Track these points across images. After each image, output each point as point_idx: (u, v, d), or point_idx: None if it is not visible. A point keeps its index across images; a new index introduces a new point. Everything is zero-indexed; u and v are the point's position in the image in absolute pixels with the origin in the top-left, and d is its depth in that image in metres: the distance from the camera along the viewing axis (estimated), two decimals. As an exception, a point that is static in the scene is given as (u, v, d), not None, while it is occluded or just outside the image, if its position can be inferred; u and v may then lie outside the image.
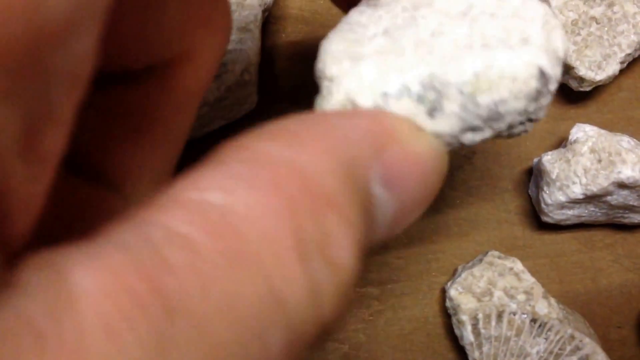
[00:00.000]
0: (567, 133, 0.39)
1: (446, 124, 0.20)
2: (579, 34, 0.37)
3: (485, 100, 0.20)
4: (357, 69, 0.23)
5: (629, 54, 0.38)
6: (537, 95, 0.20)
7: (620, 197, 0.36)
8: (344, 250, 0.16)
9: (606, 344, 0.39)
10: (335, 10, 0.40)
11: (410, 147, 0.20)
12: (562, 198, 0.36)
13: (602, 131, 0.37)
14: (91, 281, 0.13)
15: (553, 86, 0.21)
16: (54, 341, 0.12)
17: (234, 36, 0.37)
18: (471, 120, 0.20)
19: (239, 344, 0.14)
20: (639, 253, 0.41)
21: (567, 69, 0.38)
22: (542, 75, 0.20)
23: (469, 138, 0.21)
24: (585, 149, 0.36)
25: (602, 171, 0.35)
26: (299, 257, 0.15)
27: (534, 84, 0.20)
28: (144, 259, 0.14)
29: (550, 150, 0.40)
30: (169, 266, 0.14)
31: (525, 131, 0.21)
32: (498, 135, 0.21)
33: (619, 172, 0.35)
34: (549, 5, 0.27)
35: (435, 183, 0.21)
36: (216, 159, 0.17)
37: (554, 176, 0.36)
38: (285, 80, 0.41)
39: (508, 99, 0.20)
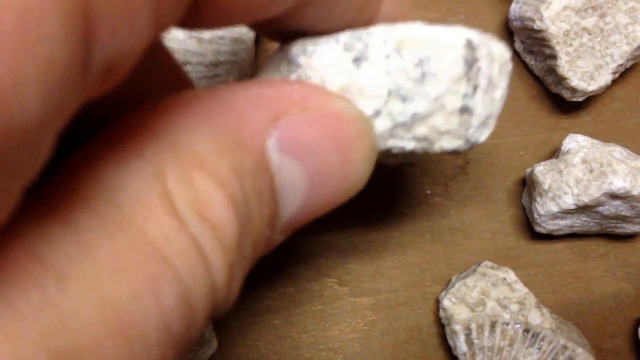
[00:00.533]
0: (560, 143, 0.39)
1: (372, 75, 0.19)
2: (571, 45, 0.38)
3: (409, 54, 0.19)
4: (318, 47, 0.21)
5: (621, 64, 0.38)
6: (465, 68, 0.20)
7: (612, 207, 0.36)
8: (218, 207, 0.16)
9: (600, 354, 0.39)
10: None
11: (316, 110, 0.18)
12: (554, 208, 0.37)
13: (595, 141, 0.38)
14: None
15: (484, 64, 0.20)
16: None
17: (227, 47, 0.37)
18: (399, 78, 0.19)
19: (133, 299, 0.14)
20: (632, 262, 0.41)
21: (560, 79, 0.39)
22: (470, 45, 0.20)
23: (397, 143, 0.20)
24: (577, 159, 0.36)
25: (594, 182, 0.35)
26: (172, 215, 0.15)
27: (461, 50, 0.20)
28: None
29: (544, 160, 0.40)
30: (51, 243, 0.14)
31: (458, 150, 0.21)
32: (428, 145, 0.20)
33: (611, 183, 0.35)
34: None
35: (358, 148, 0.19)
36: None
37: (546, 187, 0.37)
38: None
39: (432, 57, 0.19)
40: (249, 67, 0.37)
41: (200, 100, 0.17)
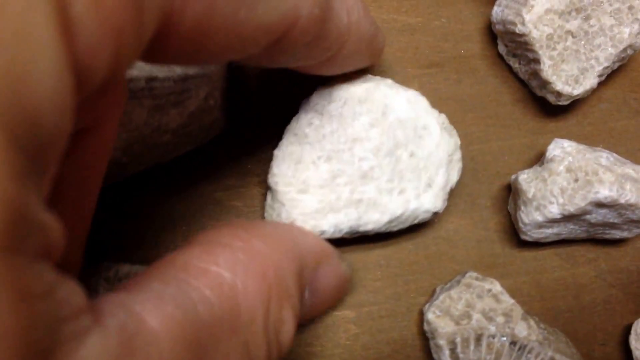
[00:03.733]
0: (546, 148, 0.39)
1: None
2: (554, 49, 0.37)
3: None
4: (303, 200, 0.36)
5: (607, 67, 0.38)
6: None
7: (599, 215, 0.36)
8: (288, 333, 0.26)
9: (590, 363, 0.39)
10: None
11: (335, 268, 0.30)
12: (539, 218, 0.36)
13: (581, 147, 0.37)
14: (159, 323, 0.20)
15: (430, 214, 0.37)
16: None
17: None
18: None
19: None
20: (622, 268, 0.40)
21: (544, 83, 0.38)
22: (434, 214, 0.37)
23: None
24: (561, 168, 0.35)
25: (580, 191, 0.35)
26: (265, 333, 0.24)
27: (426, 218, 0.37)
28: (188, 312, 0.21)
29: (529, 165, 0.40)
30: (201, 320, 0.21)
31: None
32: None
33: (596, 192, 0.34)
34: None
35: (340, 296, 0.32)
36: (219, 241, 0.25)
37: (530, 195, 0.36)
38: (255, 103, 0.41)
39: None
40: (219, 80, 0.37)
41: (283, 231, 0.28)
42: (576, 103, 0.41)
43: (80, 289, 0.18)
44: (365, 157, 0.36)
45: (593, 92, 0.41)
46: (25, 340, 0.14)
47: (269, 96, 0.41)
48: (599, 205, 0.35)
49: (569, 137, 0.41)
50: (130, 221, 0.39)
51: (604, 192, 0.35)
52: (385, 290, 0.40)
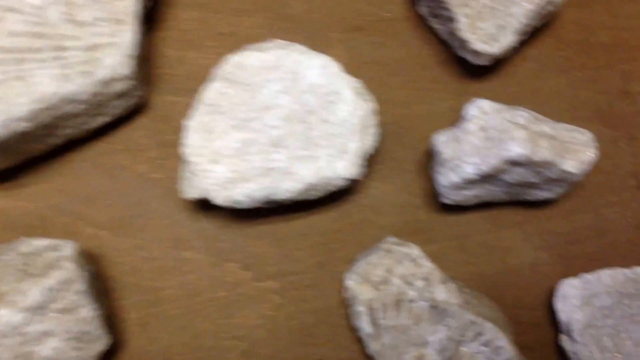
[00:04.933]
0: (470, 109, 0.38)
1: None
2: (469, 6, 0.37)
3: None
4: (214, 170, 0.35)
5: (527, 24, 0.37)
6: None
7: (516, 174, 0.36)
8: None
9: (519, 327, 0.39)
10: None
11: None
12: (455, 179, 0.36)
13: (500, 106, 0.37)
14: None
15: (346, 182, 0.36)
16: None
17: (106, 29, 0.36)
18: None
19: None
20: (549, 230, 0.40)
21: (463, 43, 0.38)
22: (351, 181, 0.36)
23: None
24: (474, 127, 0.35)
25: (493, 149, 0.35)
26: None
27: (342, 185, 0.36)
28: None
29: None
30: None
31: None
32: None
33: (509, 150, 0.34)
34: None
35: None
36: None
37: (445, 156, 0.36)
38: (178, 70, 0.40)
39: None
40: (130, 48, 0.36)
41: None
42: (501, 63, 0.40)
43: None
44: (276, 125, 0.36)
45: (518, 51, 0.40)
46: None
47: (192, 61, 0.41)
48: (514, 163, 0.35)
49: (494, 98, 0.40)
50: (51, 197, 0.39)
51: (517, 150, 0.34)
52: (308, 260, 0.40)
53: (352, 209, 0.40)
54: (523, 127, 0.35)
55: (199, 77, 0.40)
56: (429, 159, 0.41)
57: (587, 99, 0.41)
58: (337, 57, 0.41)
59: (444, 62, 0.42)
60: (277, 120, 0.36)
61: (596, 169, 0.41)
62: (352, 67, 0.41)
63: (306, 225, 0.40)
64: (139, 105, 0.40)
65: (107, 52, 0.36)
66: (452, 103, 0.41)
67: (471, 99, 0.41)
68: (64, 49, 0.36)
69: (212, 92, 0.36)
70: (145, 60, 0.40)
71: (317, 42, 0.41)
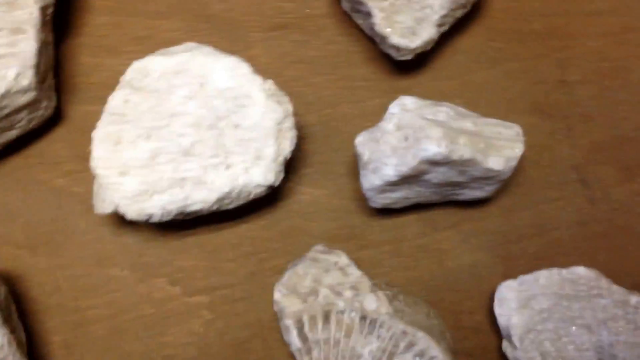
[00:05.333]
0: (400, 106, 0.37)
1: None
2: (385, 0, 0.35)
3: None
4: (124, 183, 0.34)
5: (446, 15, 0.35)
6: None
7: (440, 174, 0.34)
8: None
9: (460, 333, 0.37)
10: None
11: None
12: (377, 182, 0.34)
13: (424, 102, 0.35)
14: None
15: (263, 189, 0.35)
16: None
17: (4, 39, 0.35)
18: None
19: None
20: (488, 229, 0.39)
21: (382, 38, 0.36)
22: (269, 188, 0.35)
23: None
24: (391, 126, 0.34)
25: (410, 149, 0.33)
26: None
27: (260, 192, 0.35)
28: None
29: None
30: None
31: None
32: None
33: (425, 150, 0.33)
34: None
35: None
36: None
37: (365, 158, 0.34)
38: (94, 78, 0.39)
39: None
40: (31, 58, 0.35)
41: None
42: (431, 57, 0.39)
43: None
44: (185, 133, 0.34)
45: (448, 43, 0.39)
46: None
47: (105, 67, 0.39)
48: (433, 163, 0.33)
49: (424, 94, 0.39)
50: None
51: (432, 149, 0.33)
52: (239, 271, 0.38)
53: (282, 216, 0.39)
54: (441, 124, 0.34)
55: (116, 84, 0.39)
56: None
57: (522, 90, 0.40)
58: (258, 57, 0.40)
59: (371, 59, 0.40)
60: (186, 127, 0.34)
61: (534, 162, 0.39)
62: (275, 67, 0.40)
63: (235, 235, 0.38)
64: (53, 116, 0.38)
65: (5, 63, 0.35)
66: (382, 101, 0.40)
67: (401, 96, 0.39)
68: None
69: (117, 100, 0.35)
70: (56, 69, 0.39)
71: (237, 43, 0.40)
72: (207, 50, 0.35)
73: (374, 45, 0.40)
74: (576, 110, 0.40)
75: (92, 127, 0.39)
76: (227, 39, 0.40)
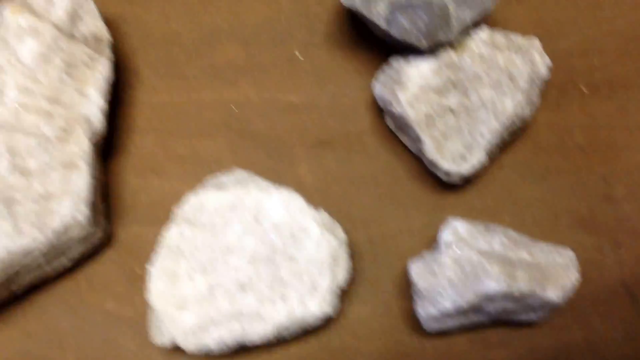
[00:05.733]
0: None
1: None
2: (435, 127, 0.35)
3: None
4: (182, 317, 0.34)
5: (496, 142, 0.36)
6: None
7: (497, 305, 0.34)
8: None
9: None
10: (184, 116, 0.39)
11: None
12: (434, 312, 0.34)
13: (474, 229, 0.35)
14: None
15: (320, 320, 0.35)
16: None
17: (57, 176, 0.35)
18: None
19: None
20: (538, 347, 0.39)
21: (431, 162, 0.36)
22: (326, 319, 0.36)
23: None
24: (448, 260, 0.34)
25: (469, 285, 0.33)
26: None
27: (317, 323, 0.35)
28: None
29: (430, 244, 0.38)
30: None
31: None
32: None
33: (485, 286, 0.33)
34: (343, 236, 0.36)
35: None
36: None
37: (422, 289, 0.35)
38: (141, 199, 0.39)
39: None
40: (85, 194, 0.35)
41: None
42: (477, 173, 0.39)
43: None
44: (241, 267, 0.34)
45: (494, 159, 0.39)
46: None
47: (154, 188, 0.40)
48: (492, 298, 0.34)
49: (470, 211, 0.39)
50: (17, 343, 0.37)
51: (492, 286, 0.33)
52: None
53: (332, 336, 0.39)
54: (498, 257, 0.34)
55: (163, 204, 0.39)
56: (407, 279, 0.39)
57: (567, 205, 0.40)
58: (303, 174, 0.40)
59: (416, 175, 0.40)
60: (242, 262, 0.35)
61: (582, 278, 0.39)
62: (320, 185, 0.40)
63: (287, 357, 0.38)
64: (103, 240, 0.39)
65: (59, 200, 0.35)
66: (427, 218, 0.40)
67: (447, 212, 0.40)
68: (13, 201, 0.35)
69: (173, 235, 0.35)
70: (105, 194, 0.39)
71: (281, 160, 0.40)
72: (261, 183, 0.36)
73: (418, 162, 0.40)
74: (622, 225, 0.40)
75: (142, 248, 0.39)
76: (271, 156, 0.40)
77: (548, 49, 0.42)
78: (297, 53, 0.42)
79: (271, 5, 0.42)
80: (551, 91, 0.41)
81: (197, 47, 0.41)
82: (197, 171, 0.40)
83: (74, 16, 0.37)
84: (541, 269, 0.35)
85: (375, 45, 0.38)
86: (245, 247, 0.35)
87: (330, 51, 0.42)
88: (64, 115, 0.36)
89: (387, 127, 0.40)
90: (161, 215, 0.39)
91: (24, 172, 0.35)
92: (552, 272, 0.35)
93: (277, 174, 0.40)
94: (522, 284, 0.33)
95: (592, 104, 0.41)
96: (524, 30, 0.42)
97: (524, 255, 0.35)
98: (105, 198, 0.39)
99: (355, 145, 0.41)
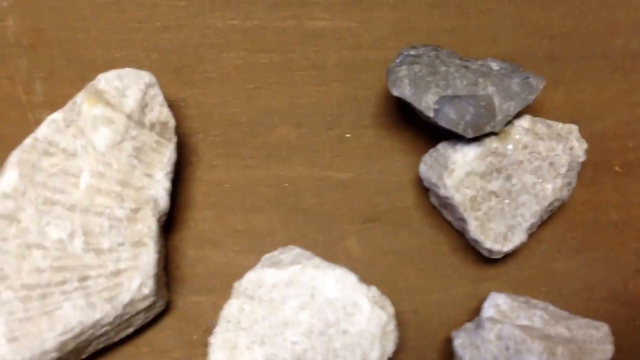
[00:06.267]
0: (487, 294, 0.39)
1: None
2: (479, 210, 0.38)
3: None
4: None
5: (535, 222, 0.39)
6: None
7: (537, 378, 0.37)
8: None
9: None
10: (240, 192, 0.41)
11: None
12: (478, 384, 0.37)
13: (515, 303, 0.38)
14: None
15: None
16: None
17: (127, 253, 0.38)
18: None
19: None
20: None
21: (474, 241, 0.39)
22: None
23: None
24: (492, 336, 0.36)
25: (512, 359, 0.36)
26: None
27: None
28: None
29: (473, 314, 0.41)
30: None
31: None
32: None
33: (528, 363, 0.35)
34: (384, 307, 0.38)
35: None
36: None
37: (466, 361, 0.37)
38: (199, 269, 0.42)
39: None
40: (151, 269, 0.38)
41: None
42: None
43: None
44: (297, 341, 0.37)
45: (532, 234, 0.42)
46: None
47: (211, 259, 0.42)
48: (534, 372, 0.36)
49: (510, 282, 0.41)
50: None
51: (535, 363, 0.35)
52: None
53: (378, 402, 0.41)
54: (539, 332, 0.36)
55: (220, 275, 0.42)
56: (450, 349, 0.42)
57: (601, 278, 0.43)
58: (351, 247, 0.43)
59: (458, 248, 0.43)
60: (298, 335, 0.37)
61: (618, 348, 0.42)
62: (368, 258, 0.43)
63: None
64: (163, 308, 0.41)
65: (129, 275, 0.38)
66: (469, 289, 0.42)
67: (488, 284, 0.42)
68: (87, 278, 0.38)
69: (233, 308, 0.38)
70: (166, 265, 0.42)
71: (331, 234, 0.43)
72: (316, 261, 0.38)
73: (460, 236, 0.43)
74: (654, 297, 0.42)
75: (199, 316, 0.42)
76: (321, 231, 0.43)
77: (585, 132, 0.44)
78: (347, 135, 0.44)
79: (322, 89, 0.45)
80: (587, 170, 0.44)
81: (253, 127, 0.44)
82: (252, 244, 0.43)
83: (144, 105, 0.40)
84: (578, 344, 0.37)
85: (421, 127, 0.41)
86: (301, 321, 0.37)
87: (378, 132, 0.44)
88: (133, 197, 0.39)
89: (431, 204, 0.43)
90: (218, 285, 0.42)
91: (98, 251, 0.38)
92: (588, 346, 0.37)
93: (327, 247, 0.43)
94: (561, 359, 0.36)
95: (626, 182, 0.44)
96: (563, 114, 0.45)
97: (563, 330, 0.37)
98: (166, 269, 0.42)
99: (400, 220, 0.43)
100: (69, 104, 0.39)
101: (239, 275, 0.41)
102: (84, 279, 0.38)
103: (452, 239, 0.43)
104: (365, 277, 0.43)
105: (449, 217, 0.42)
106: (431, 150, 0.41)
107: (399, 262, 0.43)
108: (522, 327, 0.37)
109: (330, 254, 0.43)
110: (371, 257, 0.43)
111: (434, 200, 0.43)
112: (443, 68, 0.39)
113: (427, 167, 0.41)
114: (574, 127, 0.40)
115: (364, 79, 0.44)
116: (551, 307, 0.39)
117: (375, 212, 0.44)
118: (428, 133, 0.42)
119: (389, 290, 0.43)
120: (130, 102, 0.39)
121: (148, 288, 0.38)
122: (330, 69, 0.45)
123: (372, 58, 0.45)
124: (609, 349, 0.38)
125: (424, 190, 0.43)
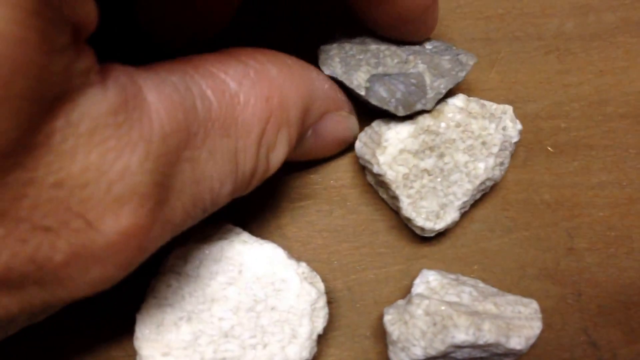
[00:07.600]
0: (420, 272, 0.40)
1: None
2: (412, 187, 0.39)
3: None
4: None
5: (467, 201, 0.39)
6: None
7: (464, 353, 0.38)
8: (278, 157, 0.32)
9: None
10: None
11: (342, 119, 0.38)
12: (406, 359, 0.37)
13: (446, 280, 0.39)
14: (155, 99, 0.24)
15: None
16: (130, 124, 0.22)
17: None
18: None
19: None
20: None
21: (407, 219, 0.40)
22: None
23: None
24: (420, 312, 0.37)
25: (438, 335, 0.37)
26: (256, 149, 0.29)
27: None
28: (185, 100, 0.25)
29: (406, 291, 0.41)
30: (196, 111, 0.25)
31: None
32: None
33: (453, 337, 0.36)
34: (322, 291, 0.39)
35: (341, 147, 0.41)
36: (237, 56, 0.29)
37: (395, 337, 0.38)
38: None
39: None
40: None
41: (303, 70, 0.34)
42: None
43: (93, 53, 0.22)
44: (224, 317, 0.37)
45: (465, 213, 0.43)
46: (41, 77, 0.18)
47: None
48: (460, 347, 0.37)
49: (443, 260, 0.42)
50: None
51: (460, 337, 0.36)
52: None
53: (310, 380, 0.42)
54: (467, 308, 0.37)
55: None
56: (383, 326, 0.42)
57: (533, 257, 0.44)
58: (286, 225, 0.43)
59: (393, 227, 0.44)
60: (225, 311, 0.38)
61: (547, 326, 0.43)
62: (302, 236, 0.43)
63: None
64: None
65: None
66: (403, 267, 0.43)
67: (421, 262, 0.43)
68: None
69: (160, 284, 0.38)
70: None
71: (265, 213, 0.43)
72: (244, 237, 0.39)
73: (396, 215, 0.44)
74: (584, 276, 0.44)
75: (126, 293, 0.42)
76: (255, 209, 0.43)
77: (519, 112, 0.45)
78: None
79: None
80: (520, 150, 0.45)
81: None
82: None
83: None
84: (506, 320, 0.38)
85: (358, 105, 0.42)
86: (229, 297, 0.38)
87: (314, 109, 0.45)
88: None
89: (368, 182, 0.44)
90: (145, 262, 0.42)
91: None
92: (516, 323, 0.38)
93: (261, 225, 0.43)
94: (488, 334, 0.37)
95: (558, 163, 0.45)
96: (498, 95, 0.45)
97: (491, 306, 0.38)
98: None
99: (336, 198, 0.44)
100: None
101: (167, 251, 0.41)
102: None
103: (387, 218, 0.44)
104: (300, 256, 0.43)
105: (384, 196, 0.43)
106: (366, 128, 0.42)
107: (333, 240, 0.44)
108: (450, 303, 0.38)
109: (265, 233, 0.44)
110: (306, 236, 0.43)
111: (370, 178, 0.43)
112: (374, 46, 0.39)
113: (362, 144, 0.41)
114: (508, 108, 0.41)
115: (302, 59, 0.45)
116: (481, 285, 0.40)
117: (310, 191, 0.44)
118: (364, 111, 0.42)
119: (322, 268, 0.43)
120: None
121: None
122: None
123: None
124: (537, 325, 0.39)
125: (361, 168, 0.44)
